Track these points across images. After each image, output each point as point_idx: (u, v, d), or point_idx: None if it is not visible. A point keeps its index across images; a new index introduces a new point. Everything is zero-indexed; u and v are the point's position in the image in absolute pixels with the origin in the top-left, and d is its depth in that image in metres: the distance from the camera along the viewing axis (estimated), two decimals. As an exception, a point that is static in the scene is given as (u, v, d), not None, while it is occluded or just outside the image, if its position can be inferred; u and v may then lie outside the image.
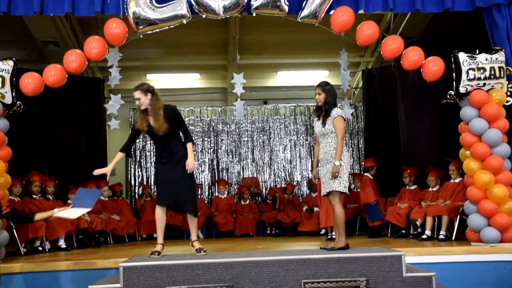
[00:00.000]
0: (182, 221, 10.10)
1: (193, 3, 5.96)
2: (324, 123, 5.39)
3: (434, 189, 7.89)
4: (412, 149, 9.52)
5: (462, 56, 6.16)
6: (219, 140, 12.72)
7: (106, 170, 5.43)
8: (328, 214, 7.67)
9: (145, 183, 12.41)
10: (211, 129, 12.77)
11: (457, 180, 7.45)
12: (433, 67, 6.11)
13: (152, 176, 12.55)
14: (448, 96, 6.33)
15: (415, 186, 8.49)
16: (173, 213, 10.03)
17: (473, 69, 6.12)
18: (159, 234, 5.40)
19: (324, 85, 5.49)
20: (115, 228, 9.04)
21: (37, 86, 6.00)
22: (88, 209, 5.13)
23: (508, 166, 6.08)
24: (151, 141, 12.33)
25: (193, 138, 12.34)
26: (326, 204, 7.53)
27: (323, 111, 5.42)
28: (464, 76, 6.13)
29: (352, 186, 10.27)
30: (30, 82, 5.97)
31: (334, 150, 5.25)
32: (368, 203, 8.57)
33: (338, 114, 5.32)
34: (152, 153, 12.61)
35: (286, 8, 6.04)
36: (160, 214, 5.38)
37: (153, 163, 12.55)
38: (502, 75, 6.15)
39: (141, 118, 5.45)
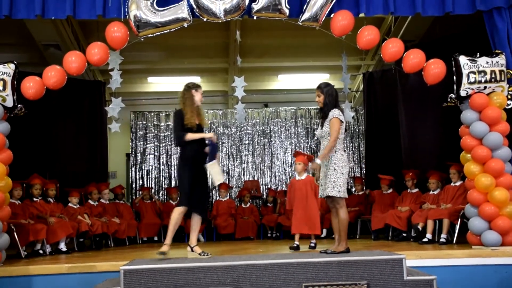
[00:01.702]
0: (185, 222, 10.11)
1: (194, 6, 5.97)
2: (322, 125, 5.39)
3: (435, 192, 7.88)
4: (413, 152, 9.50)
5: (463, 60, 6.16)
6: (220, 143, 12.71)
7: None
8: (303, 219, 6.95)
9: (145, 186, 12.40)
10: (211, 132, 12.78)
11: (458, 184, 7.45)
12: (435, 69, 6.10)
13: (152, 179, 12.56)
14: (449, 100, 6.33)
15: (416, 190, 8.49)
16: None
17: (473, 73, 6.11)
18: (170, 235, 5.44)
19: (323, 87, 5.47)
20: (116, 231, 9.04)
21: (38, 90, 6.00)
22: (215, 162, 5.51)
23: (509, 170, 6.07)
24: (153, 145, 12.53)
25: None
26: (302, 208, 6.96)
27: (325, 111, 5.41)
28: (464, 80, 6.13)
29: (353, 190, 10.26)
30: (31, 86, 5.97)
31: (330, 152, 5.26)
32: None
33: (333, 115, 5.28)
34: (153, 156, 12.61)
35: (287, 11, 6.04)
36: (181, 217, 5.43)
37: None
38: (502, 79, 6.15)
39: (194, 114, 5.60)
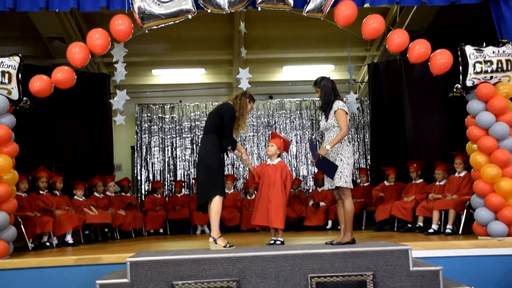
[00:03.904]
0: (190, 215, 10.14)
1: (198, -3, 5.95)
2: (326, 118, 5.41)
3: (441, 183, 7.86)
4: (418, 143, 9.50)
5: (469, 49, 6.12)
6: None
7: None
8: (266, 209, 6.10)
9: (151, 179, 12.44)
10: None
11: (462, 174, 7.42)
12: (442, 59, 6.04)
13: (157, 171, 12.59)
14: (455, 90, 6.29)
15: (421, 180, 8.50)
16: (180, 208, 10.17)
17: (480, 62, 6.07)
18: (217, 226, 5.32)
19: (319, 81, 5.52)
20: (122, 223, 9.07)
21: (46, 88, 5.99)
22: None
23: (515, 160, 6.04)
24: (158, 137, 12.54)
25: (199, 134, 12.47)
26: (267, 197, 6.12)
27: (324, 106, 5.45)
28: (471, 69, 6.09)
29: (358, 181, 10.26)
30: (38, 86, 5.94)
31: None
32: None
33: (338, 107, 5.31)
34: (158, 148, 12.62)
35: (292, 2, 6.00)
36: (221, 208, 5.36)
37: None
38: (509, 68, 6.10)
39: (243, 123, 5.80)
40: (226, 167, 12.33)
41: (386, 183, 9.16)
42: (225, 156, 5.66)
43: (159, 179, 12.36)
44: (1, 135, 5.71)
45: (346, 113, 5.35)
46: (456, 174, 7.54)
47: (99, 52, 6.07)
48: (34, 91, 5.95)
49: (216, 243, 5.20)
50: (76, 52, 5.98)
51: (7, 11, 6.15)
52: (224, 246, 5.16)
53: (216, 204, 5.26)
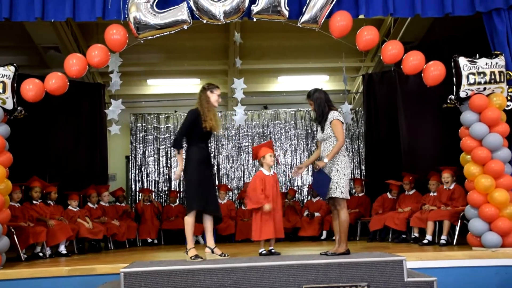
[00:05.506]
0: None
1: (194, 8, 5.97)
2: (323, 129, 5.42)
3: (435, 193, 7.86)
4: (413, 153, 9.51)
5: (462, 61, 6.17)
6: (220, 145, 12.70)
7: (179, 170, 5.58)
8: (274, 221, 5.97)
9: (145, 188, 12.38)
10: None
11: (452, 187, 7.42)
12: (434, 71, 6.11)
13: (152, 181, 12.54)
14: (449, 101, 6.33)
15: (413, 191, 8.51)
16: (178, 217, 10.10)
17: (473, 74, 6.12)
18: (191, 239, 5.46)
19: (311, 94, 5.55)
20: (116, 233, 9.02)
21: (38, 93, 6.00)
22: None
23: (508, 171, 6.06)
24: (153, 147, 12.52)
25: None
26: (273, 209, 5.95)
27: (319, 118, 5.47)
28: (464, 81, 6.13)
29: (353, 191, 10.26)
30: (31, 89, 5.96)
31: None
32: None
33: (333, 118, 5.33)
34: (153, 158, 12.59)
35: (287, 13, 6.05)
36: (193, 220, 5.43)
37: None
38: (502, 80, 6.16)
39: (214, 117, 5.60)
40: (217, 177, 12.27)
41: (389, 195, 9.14)
42: (214, 166, 5.66)
43: (153, 189, 12.31)
44: (-5, 144, 5.70)
45: (342, 122, 5.37)
46: (445, 187, 7.54)
47: (98, 66, 6.12)
48: (27, 96, 5.95)
49: (187, 254, 5.39)
50: (74, 64, 6.02)
51: (3, 21, 6.16)
52: (191, 258, 5.29)
53: (186, 220, 5.43)
